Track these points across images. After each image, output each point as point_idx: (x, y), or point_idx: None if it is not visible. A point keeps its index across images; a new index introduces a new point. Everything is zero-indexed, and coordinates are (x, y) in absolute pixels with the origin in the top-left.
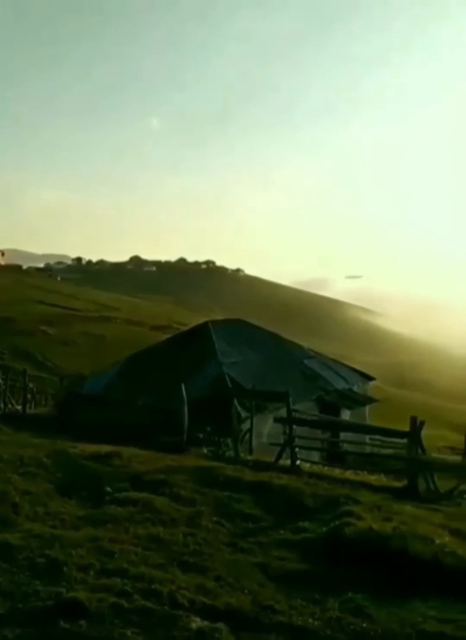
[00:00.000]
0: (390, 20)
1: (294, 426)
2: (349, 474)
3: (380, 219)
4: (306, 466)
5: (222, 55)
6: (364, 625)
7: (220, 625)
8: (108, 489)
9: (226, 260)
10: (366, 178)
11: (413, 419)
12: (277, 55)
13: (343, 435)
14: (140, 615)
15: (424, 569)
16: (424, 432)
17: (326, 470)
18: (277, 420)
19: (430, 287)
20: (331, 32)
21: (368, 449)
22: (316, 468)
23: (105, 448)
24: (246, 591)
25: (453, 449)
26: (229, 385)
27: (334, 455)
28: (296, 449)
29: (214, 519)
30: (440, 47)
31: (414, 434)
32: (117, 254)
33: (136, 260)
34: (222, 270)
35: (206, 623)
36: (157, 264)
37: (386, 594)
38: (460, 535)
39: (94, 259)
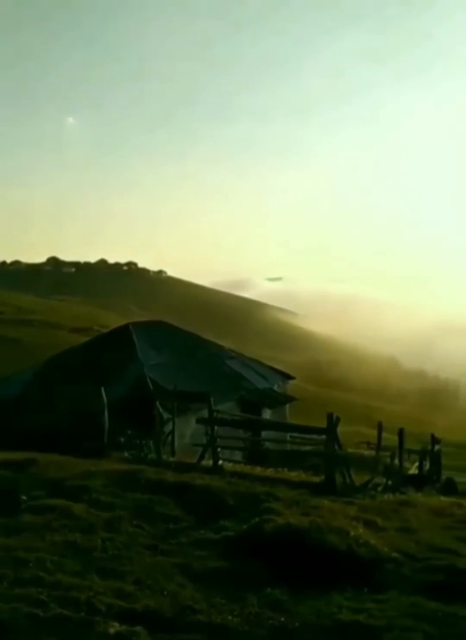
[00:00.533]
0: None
1: (216, 426)
2: (270, 472)
3: (300, 220)
4: (229, 466)
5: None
6: (283, 619)
7: (138, 628)
8: (23, 497)
9: (147, 261)
10: (287, 179)
11: (330, 416)
12: (195, 56)
13: (264, 434)
14: (56, 623)
15: (340, 561)
16: (341, 429)
17: (248, 469)
18: (199, 421)
19: (348, 287)
20: (249, 32)
21: (288, 447)
22: (238, 467)
23: (20, 455)
24: (165, 593)
25: (368, 444)
26: (151, 387)
27: (256, 454)
28: (218, 449)
29: (135, 522)
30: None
31: (331, 430)
32: (34, 255)
33: (53, 261)
34: (144, 271)
35: (124, 627)
36: (77, 265)
37: (304, 587)
38: (373, 527)
39: (9, 260)
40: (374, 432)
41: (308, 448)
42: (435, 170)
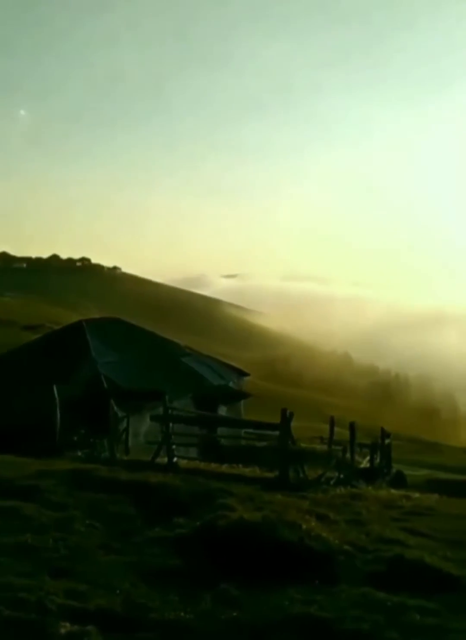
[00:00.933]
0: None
1: (170, 424)
2: (225, 468)
3: (256, 217)
4: (184, 463)
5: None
6: (235, 614)
7: (90, 627)
8: None
9: (102, 257)
10: (243, 176)
11: (283, 412)
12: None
13: (219, 431)
14: (6, 625)
15: (292, 554)
16: (295, 424)
17: (203, 465)
18: (153, 418)
19: (302, 284)
20: (192, 28)
21: (243, 443)
22: (193, 464)
23: None
24: (118, 592)
25: (322, 439)
26: (105, 385)
27: (211, 451)
28: (173, 447)
29: (87, 522)
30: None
31: (284, 425)
32: None
33: (4, 257)
34: (98, 267)
35: (76, 627)
36: (28, 260)
37: (257, 581)
38: (325, 520)
39: None
40: (327, 427)
41: (262, 443)
42: (387, 166)
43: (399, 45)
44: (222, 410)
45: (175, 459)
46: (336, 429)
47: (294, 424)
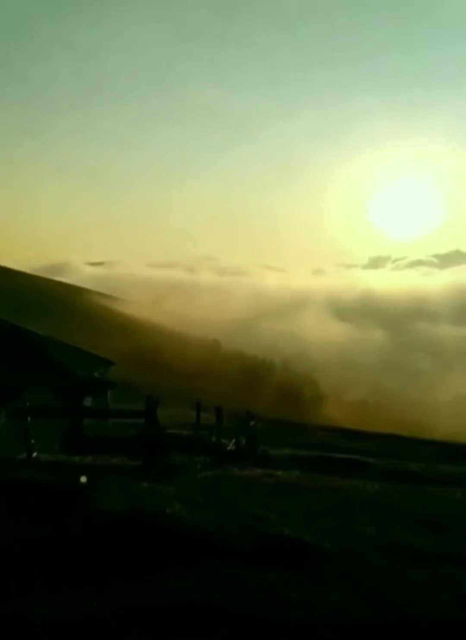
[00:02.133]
0: None
1: (29, 417)
2: (90, 460)
3: (122, 204)
4: (46, 457)
5: None
6: (95, 604)
7: None
8: None
9: None
10: (106, 160)
11: (148, 399)
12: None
13: (85, 422)
14: None
15: (160, 540)
16: (165, 412)
17: (66, 458)
18: (11, 413)
19: (169, 271)
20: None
21: (110, 433)
22: (56, 457)
23: None
24: None
25: (192, 426)
26: None
27: (76, 443)
28: (32, 441)
29: None
30: None
31: (149, 413)
32: None
33: None
34: None
35: None
36: None
37: (122, 569)
38: (191, 504)
39: None
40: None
41: (130, 433)
42: (255, 158)
43: None
44: (88, 401)
45: (35, 454)
46: (205, 414)
47: (165, 411)
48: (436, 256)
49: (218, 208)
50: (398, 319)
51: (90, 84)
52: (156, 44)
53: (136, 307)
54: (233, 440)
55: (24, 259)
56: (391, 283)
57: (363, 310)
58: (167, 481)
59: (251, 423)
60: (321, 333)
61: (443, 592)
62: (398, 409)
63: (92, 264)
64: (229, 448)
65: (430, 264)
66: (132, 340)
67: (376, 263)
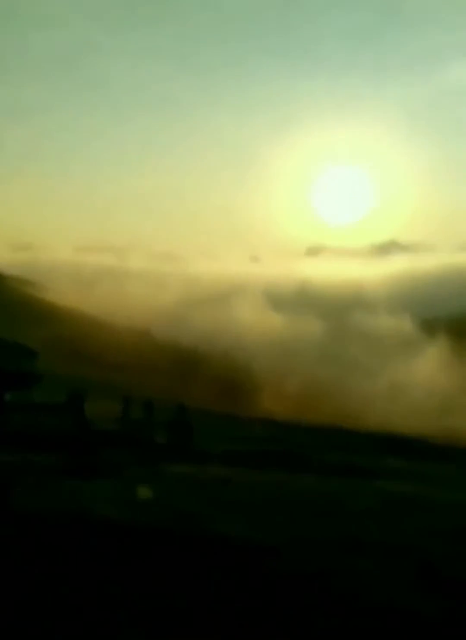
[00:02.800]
0: None
1: None
2: (14, 457)
3: (49, 186)
4: None
5: None
6: None
7: None
8: None
9: None
10: (33, 141)
11: (72, 393)
12: None
13: (7, 416)
14: None
15: (89, 535)
16: (93, 405)
17: None
18: None
19: (98, 257)
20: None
21: (34, 428)
22: None
23: None
24: None
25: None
26: None
27: None
28: None
29: None
30: None
31: (75, 408)
32: None
33: None
34: None
35: None
36: None
37: (69, 564)
38: (122, 500)
39: None
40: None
41: (55, 428)
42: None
43: None
44: (10, 394)
45: None
46: (136, 408)
47: (93, 405)
48: (372, 245)
49: (151, 191)
50: (334, 309)
51: (8, 62)
52: (78, 18)
53: (62, 295)
54: (166, 436)
55: None
56: (328, 272)
57: (301, 300)
58: (94, 479)
59: (185, 417)
60: (258, 322)
61: (385, 581)
62: (335, 399)
63: (14, 249)
64: (161, 444)
65: (367, 254)
66: (57, 330)
67: (313, 251)
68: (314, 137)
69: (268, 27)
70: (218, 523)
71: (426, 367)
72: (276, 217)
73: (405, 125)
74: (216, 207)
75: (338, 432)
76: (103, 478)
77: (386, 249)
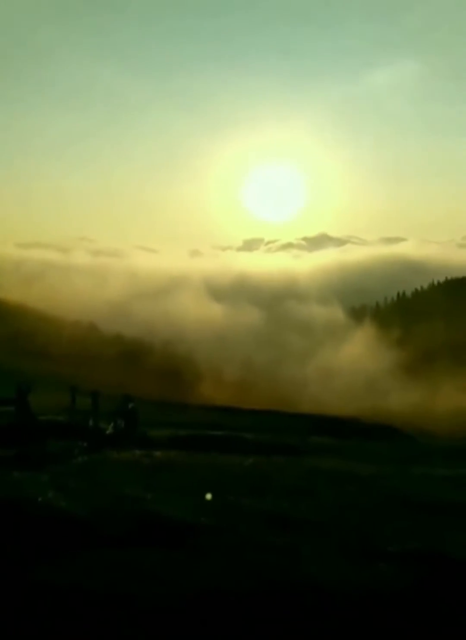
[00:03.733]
0: None
1: None
2: None
3: None
4: None
5: None
6: None
7: None
8: None
9: None
10: None
11: (18, 386)
12: None
13: None
14: None
15: (33, 528)
16: (41, 398)
17: None
18: None
19: (41, 252)
20: None
21: None
22: None
23: None
24: None
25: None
26: None
27: None
28: None
29: None
30: None
31: (21, 400)
32: None
33: None
34: None
35: None
36: None
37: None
38: (64, 490)
39: None
40: (79, 400)
41: (1, 421)
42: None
43: None
44: None
45: None
46: (83, 399)
47: (39, 397)
48: (305, 239)
49: (92, 187)
50: (270, 299)
51: None
52: (21, 18)
53: (5, 290)
54: (112, 424)
55: None
56: (264, 265)
57: (238, 291)
58: (42, 469)
59: (130, 406)
60: (198, 314)
61: (304, 555)
62: (271, 385)
63: None
64: (107, 432)
65: (300, 247)
66: (2, 326)
67: (250, 245)
68: (249, 136)
69: (205, 32)
70: (155, 504)
71: (355, 352)
72: (214, 213)
73: (332, 125)
74: (155, 203)
75: (273, 415)
76: (50, 468)
77: (318, 242)
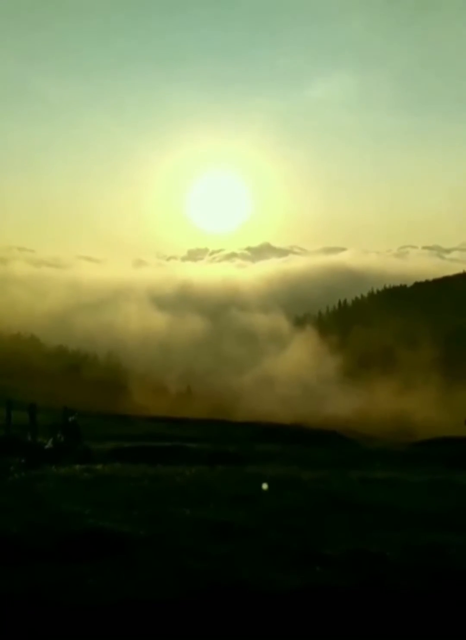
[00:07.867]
0: None
1: None
2: None
3: None
4: None
5: None
6: None
7: None
8: None
9: None
10: None
11: None
12: None
13: None
14: None
15: None
16: None
17: None
18: None
19: None
20: None
21: None
22: None
23: None
24: None
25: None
26: None
27: None
28: None
29: None
30: None
31: None
32: None
33: None
34: None
35: None
36: None
37: None
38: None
39: None
40: (18, 414)
41: None
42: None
43: None
44: None
45: None
46: (20, 413)
47: None
48: (248, 249)
49: (32, 196)
50: (214, 309)
51: None
52: None
53: None
54: (51, 439)
55: None
56: (208, 274)
57: (182, 301)
58: None
59: (70, 419)
60: (142, 324)
61: (240, 561)
62: (215, 394)
63: None
64: (46, 447)
65: (243, 257)
66: None
67: (194, 255)
68: (191, 145)
69: (147, 35)
70: (94, 518)
71: (297, 360)
72: (158, 223)
73: (274, 136)
74: (99, 213)
75: (216, 424)
76: None
77: (261, 252)
